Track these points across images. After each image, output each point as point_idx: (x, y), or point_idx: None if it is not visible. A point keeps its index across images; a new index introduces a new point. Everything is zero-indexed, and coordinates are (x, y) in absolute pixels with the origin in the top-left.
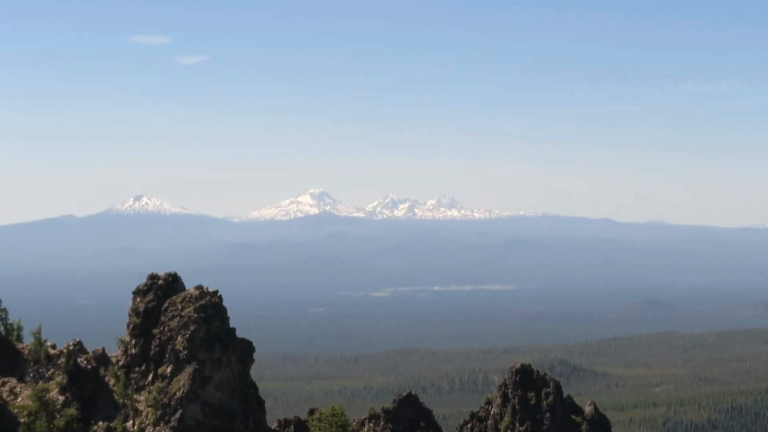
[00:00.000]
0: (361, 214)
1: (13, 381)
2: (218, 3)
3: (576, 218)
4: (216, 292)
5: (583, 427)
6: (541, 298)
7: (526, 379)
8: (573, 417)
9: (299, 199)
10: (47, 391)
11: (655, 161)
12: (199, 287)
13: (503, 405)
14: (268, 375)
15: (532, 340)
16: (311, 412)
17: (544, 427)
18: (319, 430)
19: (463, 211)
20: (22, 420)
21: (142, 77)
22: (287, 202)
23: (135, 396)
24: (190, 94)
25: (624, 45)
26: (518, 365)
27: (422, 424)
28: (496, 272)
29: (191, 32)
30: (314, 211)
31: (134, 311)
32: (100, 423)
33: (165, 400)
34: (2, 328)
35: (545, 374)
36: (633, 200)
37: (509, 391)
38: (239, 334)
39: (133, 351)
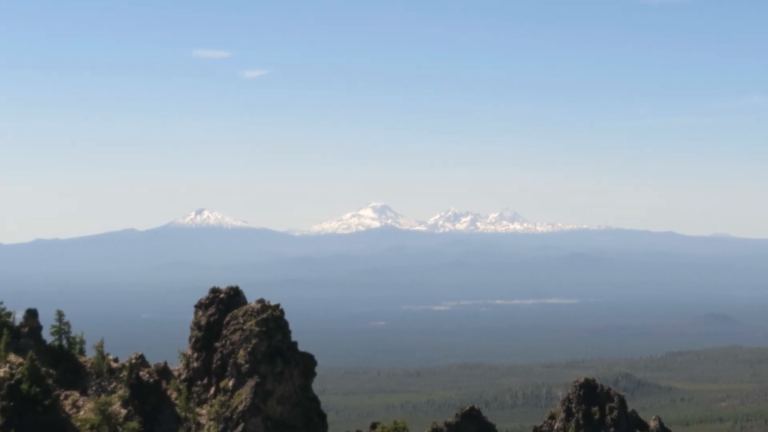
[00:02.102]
0: (422, 228)
1: (76, 394)
2: (279, 16)
3: (640, 232)
4: (278, 305)
5: None
6: (604, 312)
7: (589, 393)
8: None
9: (361, 212)
10: (109, 404)
11: (721, 174)
12: (261, 301)
13: (567, 420)
14: (329, 389)
15: (596, 354)
16: (373, 426)
17: None
18: None
19: (525, 225)
20: None
21: (204, 91)
22: (349, 215)
23: (197, 409)
24: (252, 108)
25: (687, 57)
26: (582, 379)
27: None
28: (559, 286)
29: (253, 46)
30: (376, 224)
31: (196, 325)
32: None
33: (227, 413)
34: (65, 341)
35: (609, 389)
36: (698, 213)
37: (573, 405)
38: (301, 347)
39: (195, 364)
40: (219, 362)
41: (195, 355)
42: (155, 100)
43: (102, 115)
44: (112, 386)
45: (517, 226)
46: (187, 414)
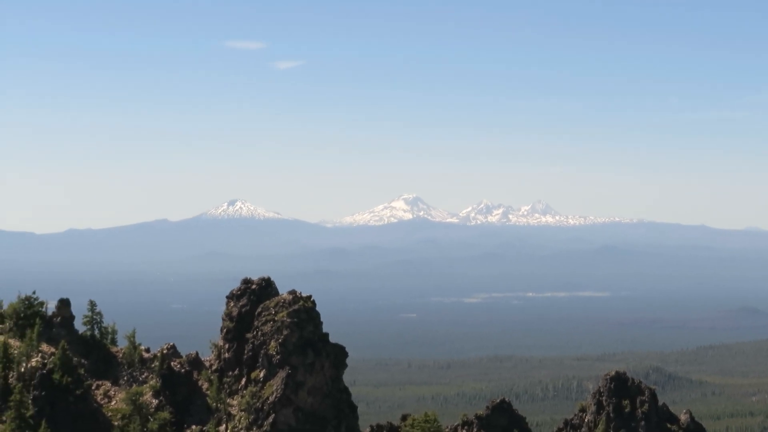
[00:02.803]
0: (454, 220)
1: (107, 384)
2: (312, 7)
3: (671, 225)
4: (309, 297)
5: None
6: (635, 306)
7: (620, 386)
8: (668, 425)
9: (393, 204)
10: (141, 394)
11: (753, 167)
12: (293, 292)
13: (597, 413)
14: (360, 380)
15: (627, 347)
16: (404, 418)
17: None
18: None
19: (557, 217)
20: (115, 423)
21: (237, 82)
22: (381, 207)
23: (228, 400)
24: (285, 99)
25: (721, 50)
26: (613, 373)
27: (515, 430)
28: (591, 279)
29: (286, 37)
30: (408, 216)
31: (227, 315)
32: (193, 427)
33: (258, 404)
34: (97, 331)
35: (640, 382)
36: (730, 207)
37: (604, 398)
38: (332, 339)
39: (227, 355)
40: (250, 353)
41: (226, 345)
42: (188, 92)
43: (135, 107)
44: (143, 376)
45: (549, 219)
46: (219, 405)
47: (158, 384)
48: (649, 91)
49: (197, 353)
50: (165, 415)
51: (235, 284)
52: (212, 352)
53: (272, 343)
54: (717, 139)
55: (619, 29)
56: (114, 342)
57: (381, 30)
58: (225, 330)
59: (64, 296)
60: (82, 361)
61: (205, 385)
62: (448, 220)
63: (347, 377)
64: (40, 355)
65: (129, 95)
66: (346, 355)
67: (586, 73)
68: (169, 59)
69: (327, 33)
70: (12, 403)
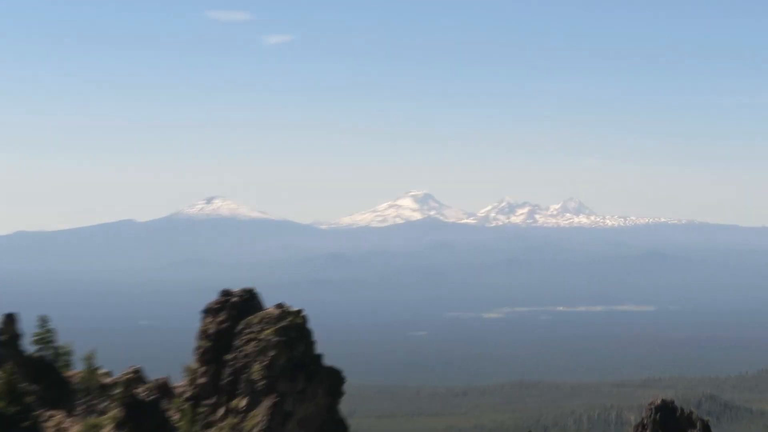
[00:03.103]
0: (471, 221)
1: (60, 414)
2: None
3: (728, 226)
4: (300, 311)
5: None
6: (686, 322)
7: (667, 417)
8: None
9: (399, 202)
10: (100, 426)
11: None
12: (281, 305)
13: None
14: (360, 410)
15: (676, 371)
16: None
17: None
18: None
19: (592, 218)
20: None
21: (218, 60)
22: (385, 205)
23: None
24: (273, 80)
25: None
26: (658, 401)
27: None
28: (633, 290)
29: (275, 7)
30: (417, 216)
31: (203, 333)
32: None
33: None
34: (49, 352)
35: (691, 412)
36: None
37: (647, 431)
38: (327, 361)
39: (202, 380)
40: (230, 378)
41: (202, 369)
42: (159, 72)
43: (95, 91)
44: (103, 405)
45: (582, 220)
46: None
47: (121, 414)
48: (698, 69)
49: (167, 378)
50: None
51: (213, 296)
52: (185, 376)
53: (256, 366)
54: None
55: (664, 5)
56: (69, 365)
57: (386, 2)
58: (200, 350)
59: (10, 310)
60: (31, 386)
61: (176, 416)
62: (464, 220)
63: (345, 406)
64: None
65: (88, 77)
66: (343, 380)
67: (623, 50)
68: (137, 34)
69: (323, 2)
70: None
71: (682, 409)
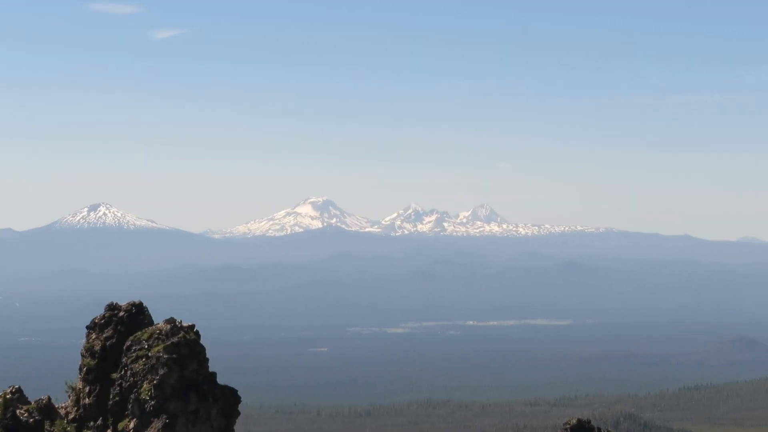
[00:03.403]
0: (375, 229)
1: None
2: None
3: (648, 235)
4: (192, 326)
5: None
6: (603, 336)
7: None
8: None
9: (297, 209)
10: None
11: (750, 163)
12: (171, 321)
13: None
14: None
15: (592, 389)
16: None
17: None
18: None
19: (505, 226)
20: None
21: (103, 57)
22: (282, 213)
23: None
24: (161, 78)
25: (705, 19)
26: (574, 421)
27: None
28: (548, 303)
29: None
30: (317, 224)
31: (88, 350)
32: None
33: None
34: None
35: None
36: (720, 213)
37: None
38: (221, 380)
39: (87, 401)
40: (117, 398)
41: (87, 388)
42: (37, 68)
43: None
44: None
45: (494, 228)
46: None
47: None
48: (617, 68)
49: (49, 398)
50: None
51: (98, 310)
52: (69, 396)
53: (145, 386)
54: (703, 126)
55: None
56: None
57: None
58: (85, 369)
59: None
60: None
61: None
62: (367, 229)
63: (240, 428)
64: None
65: None
66: (239, 400)
67: (533, 47)
68: (12, 28)
69: None
70: None
71: (599, 429)
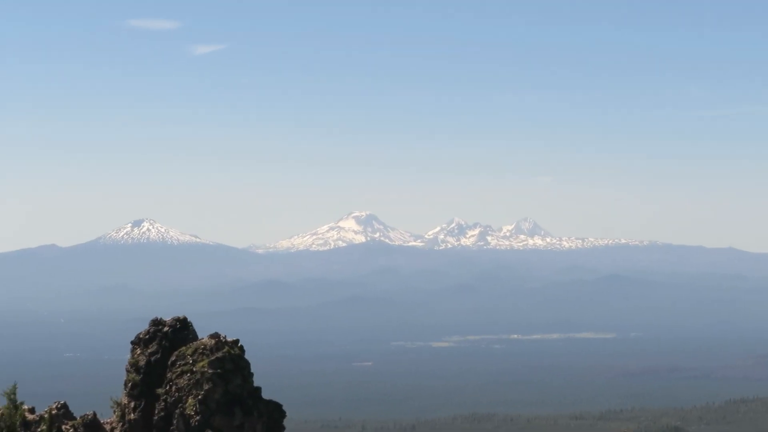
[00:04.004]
0: (418, 243)
1: None
2: None
3: (692, 248)
4: (237, 341)
5: None
6: (648, 350)
7: None
8: None
9: (341, 224)
10: None
11: None
12: (216, 336)
13: None
14: None
15: (637, 402)
16: None
17: None
18: None
19: (548, 240)
20: None
21: (144, 72)
22: (326, 228)
23: None
24: (202, 94)
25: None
26: None
27: None
28: (592, 316)
29: (205, 15)
30: (360, 239)
31: (133, 366)
32: None
33: None
34: None
35: None
36: (765, 225)
37: None
38: (266, 394)
39: (132, 416)
40: (162, 413)
41: (132, 404)
42: (78, 84)
43: (8, 108)
44: None
45: (538, 242)
46: None
47: None
48: (661, 81)
49: (95, 414)
50: None
51: (143, 326)
52: (114, 412)
53: (190, 401)
54: (748, 138)
55: (625, 8)
56: None
57: (324, 7)
58: (130, 384)
59: None
60: None
61: None
62: (411, 243)
63: None
64: None
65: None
66: (283, 415)
67: (580, 64)
68: (53, 45)
69: (256, 9)
70: None
71: None
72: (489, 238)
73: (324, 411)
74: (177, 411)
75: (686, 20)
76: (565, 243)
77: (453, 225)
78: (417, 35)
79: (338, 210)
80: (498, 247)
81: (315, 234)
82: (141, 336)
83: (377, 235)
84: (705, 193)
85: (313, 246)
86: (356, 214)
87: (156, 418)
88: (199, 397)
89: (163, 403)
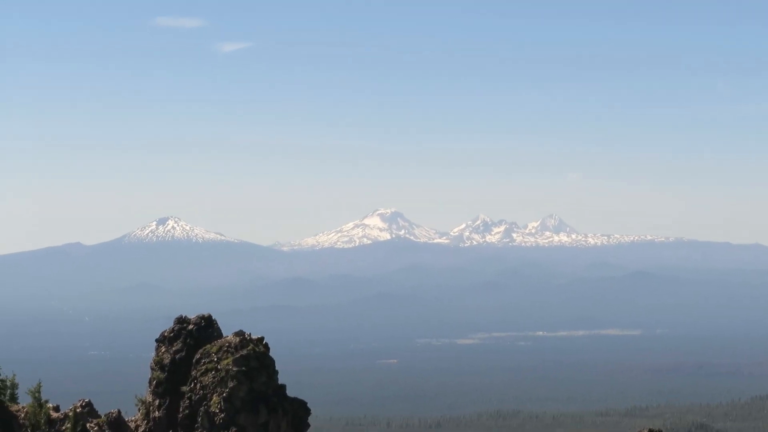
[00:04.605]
0: (444, 240)
1: None
2: None
3: (719, 244)
4: (261, 339)
5: None
6: (674, 346)
7: None
8: None
9: (366, 221)
10: None
11: None
12: (240, 333)
13: None
14: None
15: (664, 399)
16: None
17: None
18: None
19: (574, 236)
20: None
21: (171, 70)
22: (351, 225)
23: None
24: (228, 91)
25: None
26: (646, 431)
27: None
28: (617, 313)
29: (231, 12)
30: (385, 236)
31: (158, 364)
32: None
33: None
34: None
35: None
36: None
37: None
38: (291, 392)
39: (157, 414)
40: (187, 411)
41: (157, 402)
42: (105, 83)
43: (35, 105)
44: None
45: (563, 238)
46: None
47: None
48: (686, 80)
49: (119, 412)
50: None
51: (168, 324)
52: (139, 410)
53: (215, 398)
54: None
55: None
56: (14, 399)
57: (351, 7)
58: (155, 382)
59: None
60: None
61: None
62: (436, 240)
63: None
64: None
65: (28, 92)
66: (308, 412)
67: (605, 61)
68: (80, 43)
69: (282, 7)
70: None
71: None
72: (514, 235)
73: (349, 408)
74: (202, 409)
75: (711, 15)
76: (590, 239)
77: (478, 222)
78: (440, 32)
79: (363, 207)
80: (523, 244)
81: (340, 231)
82: (166, 334)
83: (402, 232)
84: (731, 189)
85: (338, 243)
86: (381, 211)
87: (181, 415)
88: (224, 394)
89: (187, 401)
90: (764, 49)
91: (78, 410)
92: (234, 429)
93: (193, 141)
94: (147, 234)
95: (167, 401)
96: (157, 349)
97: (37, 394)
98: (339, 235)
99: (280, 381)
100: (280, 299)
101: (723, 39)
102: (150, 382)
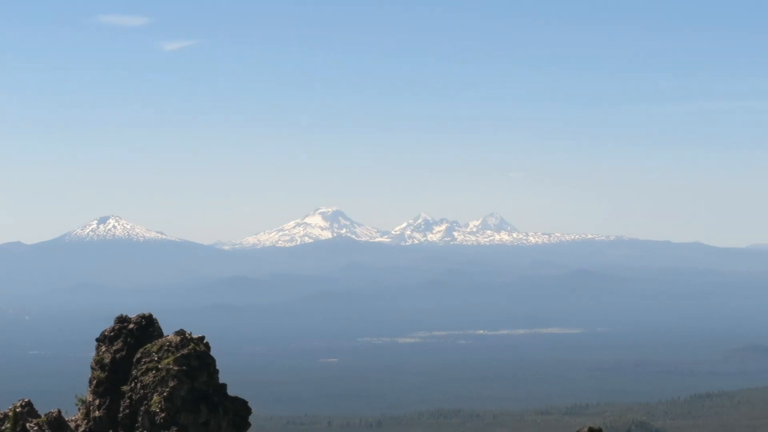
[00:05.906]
0: (385, 239)
1: None
2: None
3: (659, 243)
4: (202, 338)
5: None
6: (615, 345)
7: None
8: None
9: (307, 220)
10: None
11: (759, 170)
12: (181, 332)
13: None
14: None
15: (604, 397)
16: None
17: None
18: None
19: (515, 235)
20: None
21: (110, 68)
22: (292, 224)
23: None
24: (170, 90)
25: (711, 28)
26: (586, 429)
27: None
28: (558, 312)
29: (174, 11)
30: (326, 235)
31: (98, 363)
32: None
33: None
34: None
35: None
36: (731, 220)
37: None
38: (232, 391)
39: (97, 413)
40: (127, 410)
41: (97, 401)
42: (45, 80)
43: None
44: None
45: (504, 237)
46: None
47: None
48: (627, 76)
49: (59, 411)
50: None
51: (108, 323)
52: (79, 409)
53: (155, 398)
54: (712, 132)
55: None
56: None
57: (294, 2)
58: (95, 381)
59: None
60: None
61: None
62: (377, 239)
63: None
64: None
65: None
66: (249, 411)
67: (544, 59)
68: (19, 40)
69: (225, 4)
70: None
71: None
72: (456, 234)
73: (290, 407)
74: (142, 408)
75: (646, 16)
76: (531, 238)
77: (420, 221)
78: (381, 29)
79: (304, 206)
80: (465, 243)
81: (281, 230)
82: (106, 333)
83: (344, 231)
84: (671, 187)
85: (280, 242)
86: (322, 210)
87: (121, 415)
88: (165, 394)
89: (128, 401)
90: (705, 50)
91: (18, 410)
92: (175, 428)
93: (135, 140)
94: (88, 233)
95: (108, 401)
96: (98, 348)
97: None
98: (280, 234)
99: (221, 380)
100: (221, 298)
101: (661, 39)
102: (90, 382)
